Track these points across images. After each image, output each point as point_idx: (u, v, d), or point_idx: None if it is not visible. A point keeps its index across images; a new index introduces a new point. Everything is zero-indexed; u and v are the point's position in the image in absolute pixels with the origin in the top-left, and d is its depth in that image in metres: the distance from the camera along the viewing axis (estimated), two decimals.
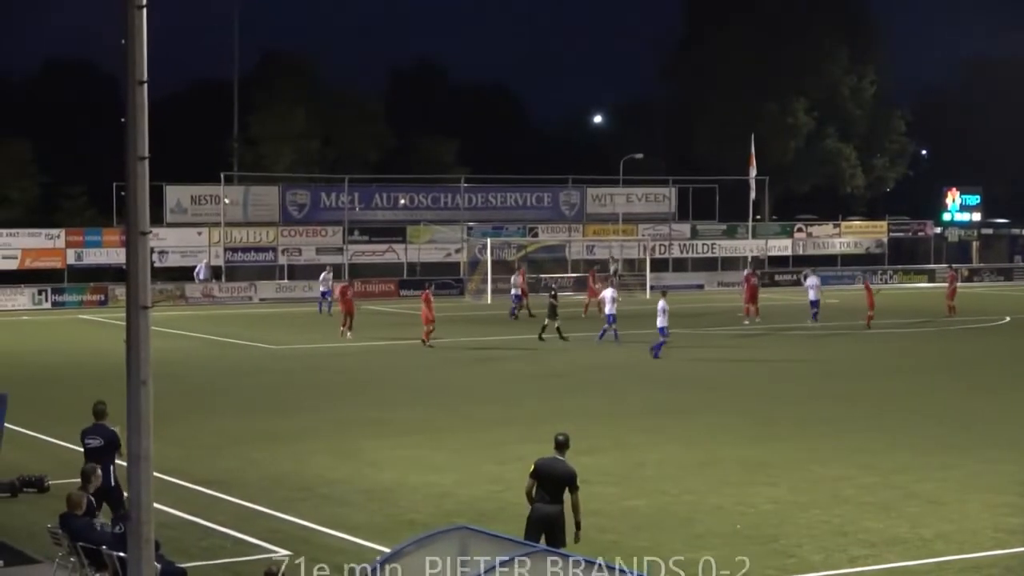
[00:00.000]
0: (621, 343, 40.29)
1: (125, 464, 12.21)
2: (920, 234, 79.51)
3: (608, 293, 41.99)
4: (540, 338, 41.36)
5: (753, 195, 69.85)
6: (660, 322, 37.57)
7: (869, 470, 21.87)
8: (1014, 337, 45.36)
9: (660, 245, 69.28)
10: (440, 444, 24.36)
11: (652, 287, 57.31)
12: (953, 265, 63.76)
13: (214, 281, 60.32)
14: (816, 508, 19.24)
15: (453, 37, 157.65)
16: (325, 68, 79.03)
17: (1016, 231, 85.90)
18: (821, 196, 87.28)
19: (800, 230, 75.10)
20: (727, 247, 72.26)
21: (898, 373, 35.25)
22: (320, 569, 14.47)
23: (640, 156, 74.55)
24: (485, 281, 60.70)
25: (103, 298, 56.77)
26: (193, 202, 62.50)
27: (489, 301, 58.69)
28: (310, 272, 63.65)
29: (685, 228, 71.54)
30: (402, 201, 67.28)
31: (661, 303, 38.08)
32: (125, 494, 13.85)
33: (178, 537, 17.21)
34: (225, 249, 61.58)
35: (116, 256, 57.55)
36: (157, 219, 56.24)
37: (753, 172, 68.96)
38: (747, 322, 47.90)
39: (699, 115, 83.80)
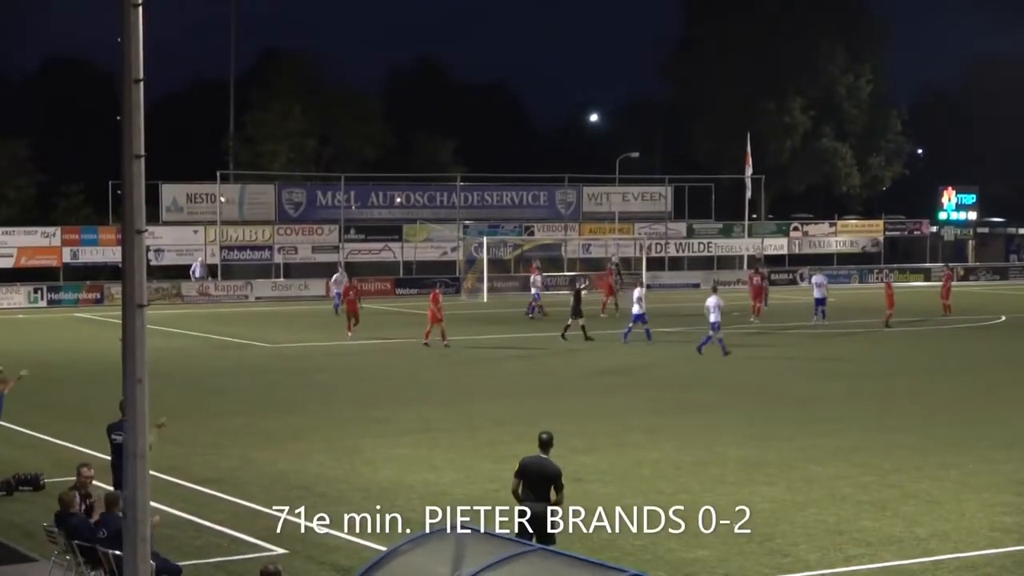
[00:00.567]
0: (653, 342, 40.48)
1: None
2: (916, 233, 79.55)
3: (636, 292, 41.99)
4: (563, 337, 41.29)
5: (749, 194, 69.88)
6: (713, 318, 37.67)
7: (866, 469, 21.88)
8: (1010, 336, 45.39)
9: (656, 244, 69.29)
10: (437, 443, 24.34)
11: (648, 285, 57.21)
12: (949, 264, 63.78)
13: (210, 279, 60.30)
14: (813, 507, 19.24)
15: (452, 36, 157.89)
16: (324, 67, 79.04)
17: (1012, 230, 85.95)
18: (817, 195, 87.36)
19: (796, 229, 75.09)
20: (723, 246, 72.27)
21: (896, 372, 35.23)
22: (318, 567, 14.48)
23: (636, 155, 74.63)
24: (481, 280, 60.71)
25: (99, 296, 56.75)
26: (189, 200, 62.48)
27: (485, 300, 58.70)
28: (306, 271, 63.71)
29: (681, 227, 71.53)
30: (398, 200, 67.26)
31: (712, 300, 38.11)
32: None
33: (174, 535, 17.21)
34: (221, 247, 61.56)
35: (112, 254, 57.49)
36: (153, 217, 56.23)
37: (749, 171, 68.98)
38: (752, 319, 48.09)
39: (696, 114, 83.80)
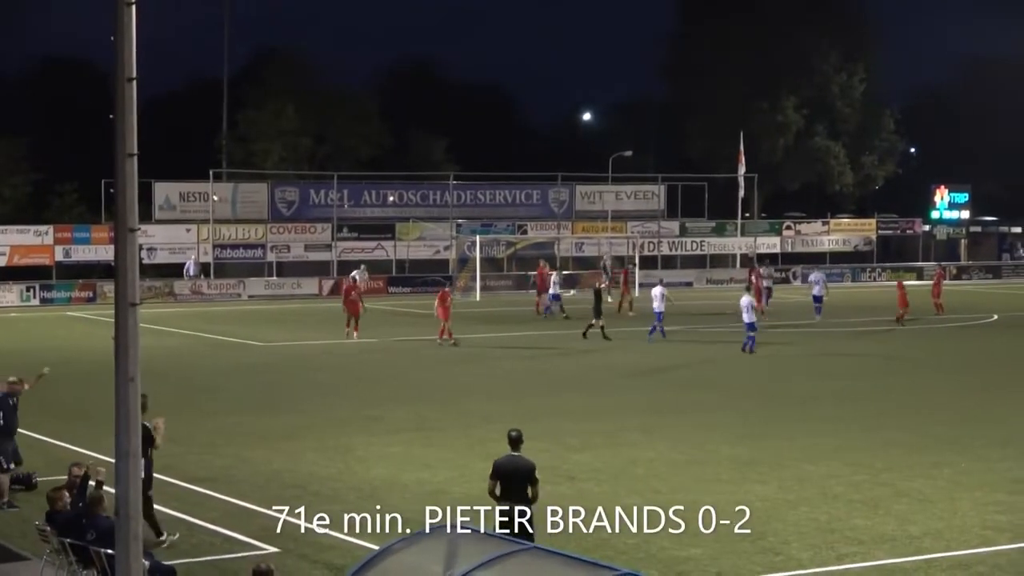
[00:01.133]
0: (667, 339, 40.72)
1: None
2: (909, 232, 79.67)
3: (657, 291, 42.14)
4: (584, 336, 41.31)
5: (742, 193, 69.97)
6: (747, 318, 37.94)
7: (859, 468, 21.90)
8: (1002, 335, 45.45)
9: (649, 242, 69.31)
10: (432, 441, 24.34)
11: (641, 284, 57.24)
12: (941, 263, 63.88)
13: (203, 278, 60.24)
14: (805, 506, 19.26)
15: (452, 36, 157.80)
16: (319, 66, 78.93)
17: (1004, 229, 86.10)
18: (810, 194, 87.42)
19: (789, 228, 75.19)
20: (716, 244, 72.34)
21: (889, 371, 35.29)
22: (311, 566, 14.46)
23: (629, 154, 74.63)
24: (474, 278, 60.70)
25: (92, 295, 56.68)
26: (182, 199, 62.46)
27: (478, 298, 58.68)
28: (298, 269, 63.68)
29: (674, 225, 71.58)
30: (391, 198, 67.22)
31: (745, 299, 38.56)
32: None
33: (168, 534, 17.18)
34: (214, 246, 61.52)
35: (105, 253, 57.43)
36: (146, 216, 56.14)
37: (742, 170, 69.08)
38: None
39: (690, 113, 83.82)
